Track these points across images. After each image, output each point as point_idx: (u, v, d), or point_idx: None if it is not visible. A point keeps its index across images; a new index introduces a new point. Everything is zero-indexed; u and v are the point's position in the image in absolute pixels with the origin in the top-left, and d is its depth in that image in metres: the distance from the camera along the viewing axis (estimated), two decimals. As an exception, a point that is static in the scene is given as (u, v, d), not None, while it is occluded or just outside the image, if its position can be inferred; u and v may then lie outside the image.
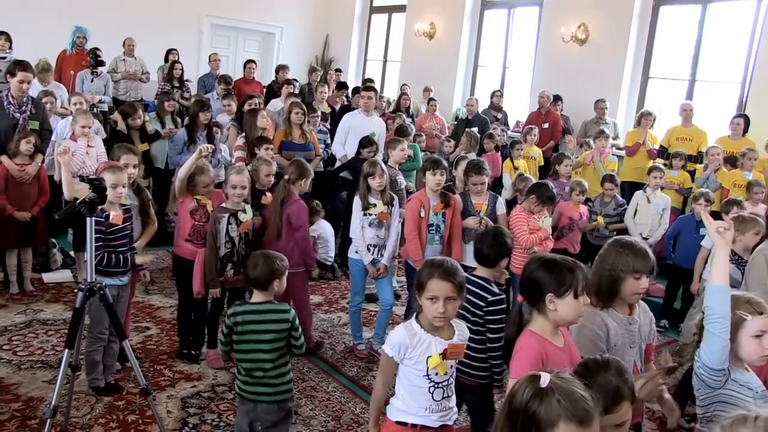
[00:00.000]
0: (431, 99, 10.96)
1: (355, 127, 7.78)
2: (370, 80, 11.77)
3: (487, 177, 5.54)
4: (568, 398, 1.78)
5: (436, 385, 2.83)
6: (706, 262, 5.56)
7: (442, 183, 5.23)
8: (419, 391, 2.83)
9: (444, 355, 2.81)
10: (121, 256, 4.27)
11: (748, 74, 9.23)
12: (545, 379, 1.84)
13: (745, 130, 8.30)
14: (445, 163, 5.36)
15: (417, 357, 2.80)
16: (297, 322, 3.41)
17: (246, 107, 7.46)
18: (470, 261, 5.33)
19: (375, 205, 5.16)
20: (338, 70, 13.16)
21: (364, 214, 5.17)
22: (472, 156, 7.81)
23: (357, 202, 5.22)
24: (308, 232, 5.38)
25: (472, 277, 3.69)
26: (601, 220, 6.87)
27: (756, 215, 4.78)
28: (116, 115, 7.21)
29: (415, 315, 2.91)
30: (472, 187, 5.53)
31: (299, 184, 5.18)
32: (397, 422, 2.86)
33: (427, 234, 5.21)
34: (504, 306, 3.70)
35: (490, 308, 3.63)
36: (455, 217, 5.34)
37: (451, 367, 2.90)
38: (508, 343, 2.73)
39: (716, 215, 6.18)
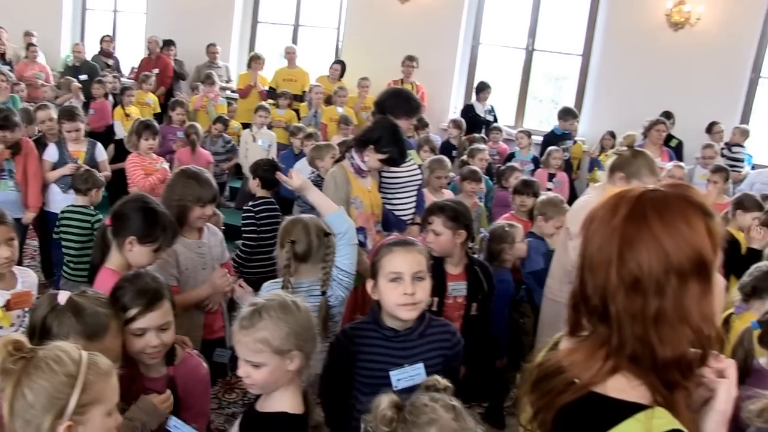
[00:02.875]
0: (31, 44, 9.97)
1: None
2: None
3: (82, 123, 5.39)
4: (79, 315, 1.87)
5: None
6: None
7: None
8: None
9: (7, 306, 2.68)
10: None
11: (341, 21, 10.15)
12: (63, 298, 1.90)
13: (342, 74, 9.16)
14: (16, 119, 5.09)
15: None
16: (98, 225, 4.16)
17: None
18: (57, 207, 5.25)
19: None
20: None
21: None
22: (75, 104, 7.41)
23: None
24: None
25: None
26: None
27: (331, 144, 5.44)
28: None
29: None
30: (66, 134, 5.31)
31: None
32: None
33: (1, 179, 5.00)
34: None
35: None
36: (29, 162, 5.15)
37: (18, 317, 2.78)
38: (94, 267, 2.75)
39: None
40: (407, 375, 2.33)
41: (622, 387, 1.17)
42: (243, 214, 4.63)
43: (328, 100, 8.56)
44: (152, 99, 8.86)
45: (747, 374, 2.63)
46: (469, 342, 3.13)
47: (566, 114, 8.08)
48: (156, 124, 5.77)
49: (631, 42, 8.69)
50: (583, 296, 1.23)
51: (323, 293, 2.86)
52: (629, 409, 1.14)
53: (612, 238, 1.19)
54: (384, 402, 1.85)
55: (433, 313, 2.66)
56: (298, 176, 3.17)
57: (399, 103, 4.25)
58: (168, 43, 10.01)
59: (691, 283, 1.15)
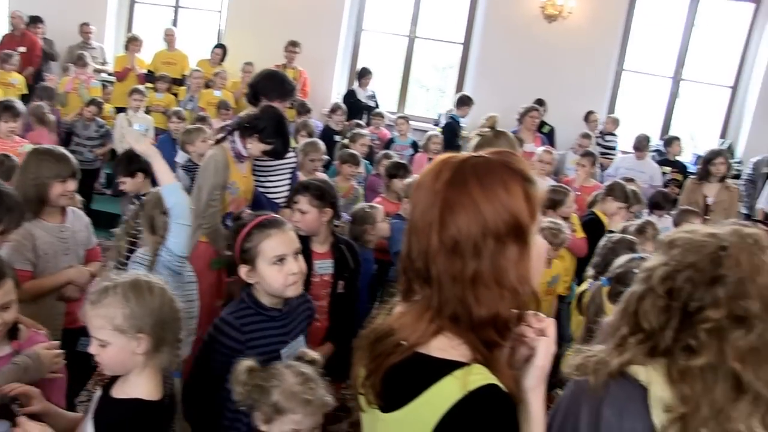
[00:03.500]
0: None
1: None
2: None
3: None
4: None
5: None
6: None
7: None
8: None
9: None
10: None
11: (223, 4, 9.96)
12: None
13: (223, 58, 9.03)
14: None
15: None
16: None
17: None
18: None
19: None
20: None
21: None
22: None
23: None
24: None
25: None
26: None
27: (204, 126, 5.35)
28: None
29: None
30: None
31: None
32: None
33: None
34: None
35: None
36: None
37: None
38: None
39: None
40: (293, 351, 2.37)
41: (443, 347, 1.21)
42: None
43: (208, 85, 8.42)
44: (18, 79, 8.33)
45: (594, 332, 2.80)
46: (336, 320, 3.22)
47: (467, 101, 8.26)
48: (18, 104, 5.44)
49: (509, 32, 9.02)
50: (409, 260, 1.26)
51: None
52: (449, 366, 1.18)
53: (434, 202, 1.22)
54: (242, 366, 1.92)
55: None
56: (146, 142, 3.10)
57: (273, 85, 4.23)
58: (35, 20, 9.37)
59: (509, 246, 1.20)
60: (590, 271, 3.62)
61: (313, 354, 2.01)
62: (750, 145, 8.92)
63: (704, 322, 1.27)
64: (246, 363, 1.93)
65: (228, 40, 9.49)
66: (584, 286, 3.60)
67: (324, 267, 3.25)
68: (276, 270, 2.27)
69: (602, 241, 3.59)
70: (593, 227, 4.80)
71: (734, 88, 9.45)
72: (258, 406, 1.92)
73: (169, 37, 9.13)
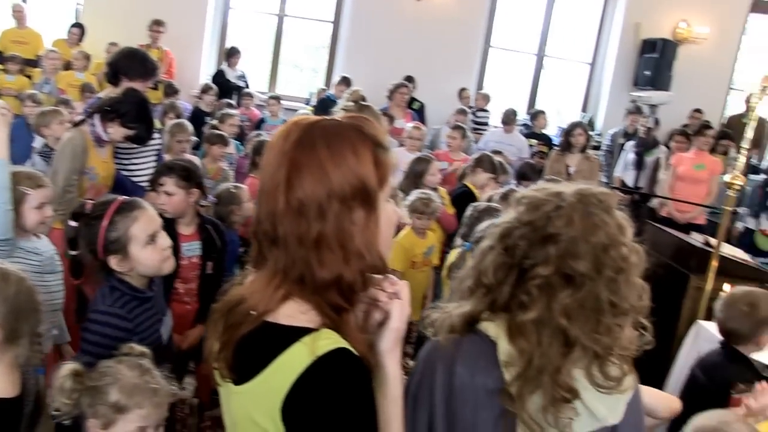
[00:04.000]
0: None
1: None
2: None
3: None
4: None
5: None
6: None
7: None
8: None
9: None
10: None
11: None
12: None
13: (81, 38, 8.53)
14: None
15: None
16: None
17: None
18: None
19: None
20: None
21: None
22: None
23: None
24: None
25: None
26: None
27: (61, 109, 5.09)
28: None
29: None
30: None
31: None
32: None
33: None
34: None
35: None
36: None
37: None
38: None
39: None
40: (167, 327, 2.37)
41: (292, 313, 1.20)
42: None
43: (68, 67, 7.95)
44: None
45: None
46: (207, 301, 3.14)
47: (346, 81, 8.20)
48: None
49: (378, 10, 9.10)
50: (258, 222, 1.24)
51: None
52: (297, 333, 1.16)
53: (282, 163, 1.20)
54: (64, 371, 1.78)
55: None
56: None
57: (133, 64, 4.03)
58: None
59: (355, 211, 1.19)
60: (458, 240, 3.72)
61: (141, 348, 1.95)
62: (608, 118, 9.51)
63: (534, 279, 1.32)
64: (69, 367, 1.79)
65: (86, 18, 8.95)
66: (453, 254, 3.70)
67: (192, 249, 3.18)
68: (150, 250, 2.21)
69: (468, 211, 3.69)
70: (466, 200, 4.90)
71: (592, 65, 10.01)
72: (92, 412, 1.79)
73: (17, 14, 8.44)
